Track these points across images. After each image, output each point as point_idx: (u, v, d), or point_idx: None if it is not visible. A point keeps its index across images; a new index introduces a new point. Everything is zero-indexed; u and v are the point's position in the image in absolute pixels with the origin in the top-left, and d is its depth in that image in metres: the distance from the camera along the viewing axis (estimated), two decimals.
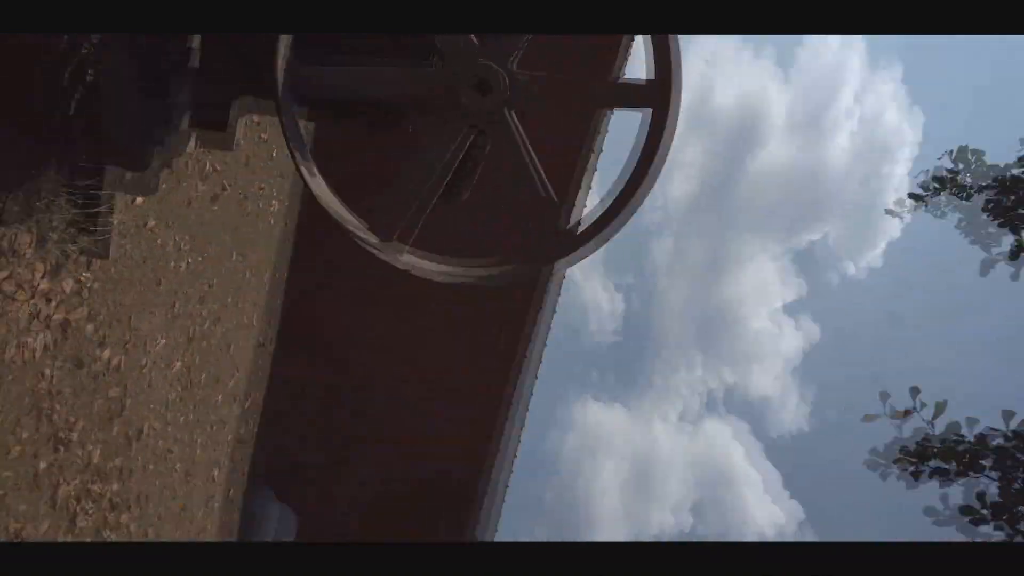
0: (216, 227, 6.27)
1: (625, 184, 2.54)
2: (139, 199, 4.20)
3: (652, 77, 2.48)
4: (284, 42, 2.31)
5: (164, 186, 4.59)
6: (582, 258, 2.61)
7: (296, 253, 9.57)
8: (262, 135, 7.32)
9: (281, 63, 2.32)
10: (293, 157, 2.40)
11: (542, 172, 2.52)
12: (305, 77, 2.42)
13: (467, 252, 2.73)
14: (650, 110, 2.50)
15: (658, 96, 2.45)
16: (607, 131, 10.03)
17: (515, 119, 2.45)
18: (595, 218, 2.61)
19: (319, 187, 2.48)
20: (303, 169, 2.43)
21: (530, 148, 2.47)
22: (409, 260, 2.53)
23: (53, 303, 3.53)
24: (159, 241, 4.88)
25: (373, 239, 2.50)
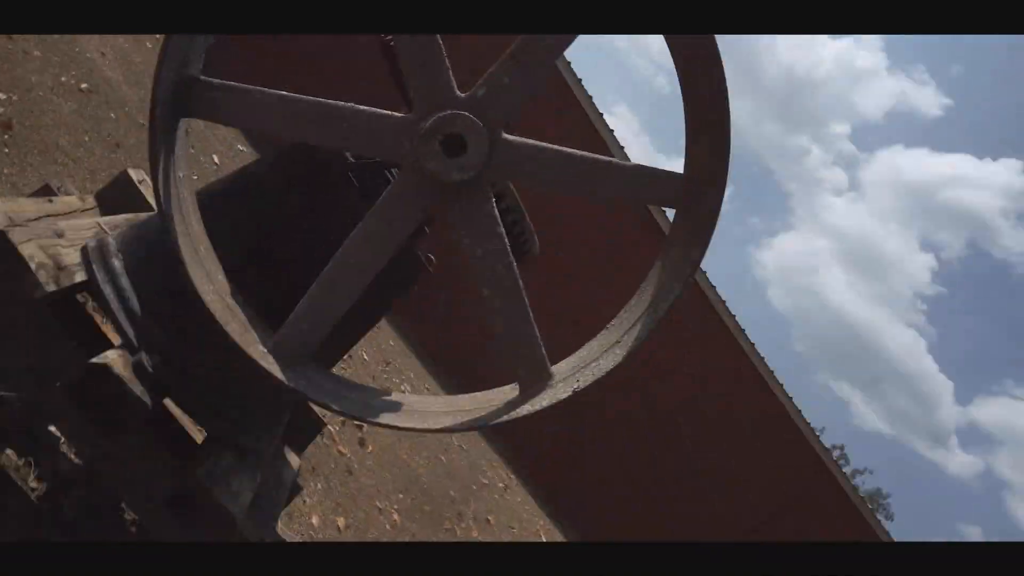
0: (403, 462, 5.91)
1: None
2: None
3: None
4: (254, 351, 1.77)
5: (338, 488, 4.29)
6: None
7: None
8: (364, 357, 7.12)
9: (264, 365, 1.77)
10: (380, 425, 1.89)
11: (589, 154, 1.85)
12: (300, 343, 1.85)
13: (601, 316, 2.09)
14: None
15: None
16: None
17: (510, 138, 1.84)
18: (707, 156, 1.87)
19: (450, 421, 1.87)
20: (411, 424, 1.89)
21: (553, 145, 1.86)
22: (578, 378, 1.90)
23: None
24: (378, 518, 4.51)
25: (545, 390, 1.89)
